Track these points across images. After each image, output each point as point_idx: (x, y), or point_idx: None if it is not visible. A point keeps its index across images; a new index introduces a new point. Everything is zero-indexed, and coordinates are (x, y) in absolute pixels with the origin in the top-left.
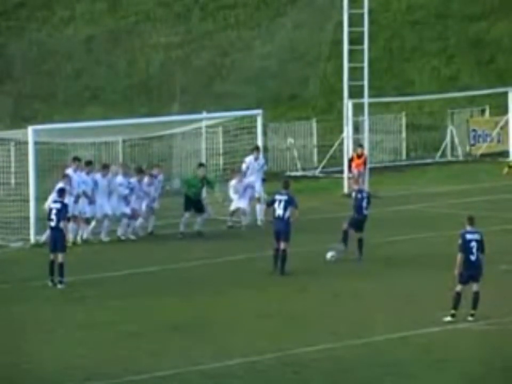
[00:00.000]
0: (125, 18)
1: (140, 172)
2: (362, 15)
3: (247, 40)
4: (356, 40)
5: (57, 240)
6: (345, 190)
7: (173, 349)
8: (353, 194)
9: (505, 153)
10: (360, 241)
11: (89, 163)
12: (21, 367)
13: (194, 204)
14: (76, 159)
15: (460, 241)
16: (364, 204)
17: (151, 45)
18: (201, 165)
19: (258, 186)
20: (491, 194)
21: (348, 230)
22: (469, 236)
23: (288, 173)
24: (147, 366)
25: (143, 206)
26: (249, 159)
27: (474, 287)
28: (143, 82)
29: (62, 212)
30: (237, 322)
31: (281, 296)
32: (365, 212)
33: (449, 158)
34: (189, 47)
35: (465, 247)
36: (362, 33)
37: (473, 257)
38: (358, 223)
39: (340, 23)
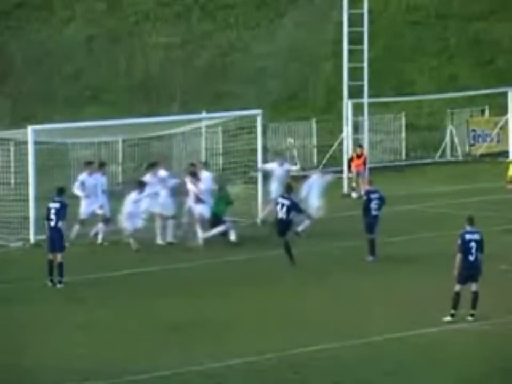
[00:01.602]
0: (125, 18)
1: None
2: (362, 15)
3: (247, 40)
4: (355, 40)
5: (56, 240)
6: (345, 190)
7: (173, 349)
8: (352, 194)
9: (505, 153)
10: (371, 242)
11: (102, 164)
12: (21, 367)
13: (215, 220)
14: (89, 163)
15: (459, 241)
16: (373, 205)
17: (151, 45)
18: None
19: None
20: (491, 194)
21: (371, 238)
22: (468, 236)
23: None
24: (147, 366)
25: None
26: (272, 165)
27: (474, 287)
28: (143, 82)
29: (61, 212)
30: (237, 322)
31: (281, 296)
32: (374, 213)
33: (448, 158)
34: (189, 47)
35: (464, 247)
36: (362, 33)
37: (472, 257)
38: (369, 225)
39: (340, 23)
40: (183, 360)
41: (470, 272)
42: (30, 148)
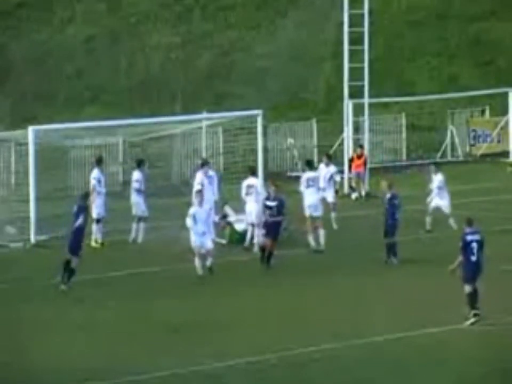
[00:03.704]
0: (125, 18)
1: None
2: (362, 15)
3: (247, 40)
4: (356, 40)
5: (74, 243)
6: (346, 190)
7: (173, 349)
8: (352, 195)
9: (505, 154)
10: (393, 245)
11: (141, 162)
12: (21, 367)
13: None
14: (100, 160)
15: (460, 243)
16: (395, 209)
17: (151, 45)
18: None
19: (330, 197)
20: (491, 194)
21: (390, 241)
22: (469, 237)
23: (288, 173)
24: (147, 366)
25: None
26: (320, 165)
27: None
28: (143, 82)
29: (82, 215)
30: (237, 322)
31: (281, 296)
32: (397, 216)
33: (449, 158)
34: (190, 48)
35: (466, 249)
36: (362, 33)
37: (474, 258)
38: (390, 228)
39: (340, 24)
40: (183, 360)
41: (472, 273)
42: (30, 148)
